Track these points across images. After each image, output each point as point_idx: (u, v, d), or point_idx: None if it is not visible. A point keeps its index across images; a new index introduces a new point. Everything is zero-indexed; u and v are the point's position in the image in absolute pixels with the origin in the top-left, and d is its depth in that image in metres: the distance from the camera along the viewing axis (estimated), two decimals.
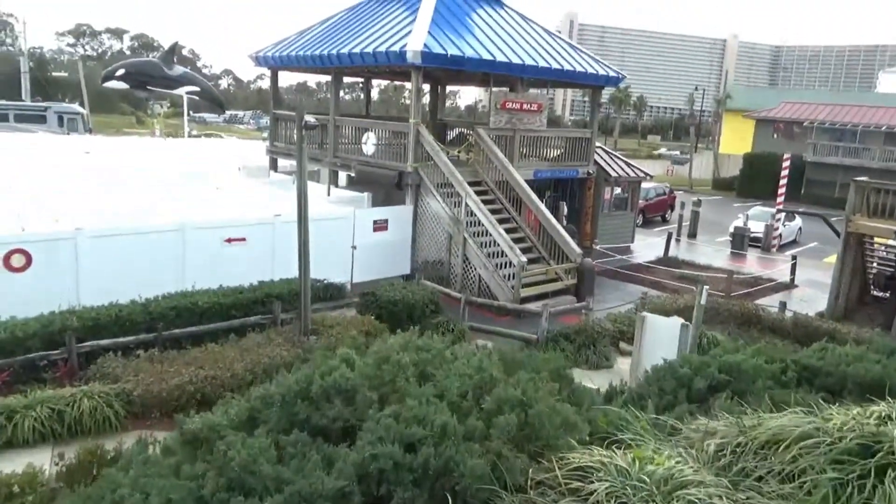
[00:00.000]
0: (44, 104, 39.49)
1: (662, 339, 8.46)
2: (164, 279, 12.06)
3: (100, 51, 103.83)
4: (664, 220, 32.38)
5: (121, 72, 30.14)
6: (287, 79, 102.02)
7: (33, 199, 14.34)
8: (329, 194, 18.49)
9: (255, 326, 11.34)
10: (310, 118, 11.40)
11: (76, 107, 40.39)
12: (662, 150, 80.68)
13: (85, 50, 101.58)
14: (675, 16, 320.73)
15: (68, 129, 34.64)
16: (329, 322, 11.59)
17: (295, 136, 20.43)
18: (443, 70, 18.86)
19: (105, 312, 10.38)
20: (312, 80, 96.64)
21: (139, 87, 31.08)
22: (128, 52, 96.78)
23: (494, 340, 12.85)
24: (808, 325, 13.80)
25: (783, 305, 14.90)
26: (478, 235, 16.36)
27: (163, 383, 8.99)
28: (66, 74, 69.29)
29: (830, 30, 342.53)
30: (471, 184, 16.90)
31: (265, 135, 31.14)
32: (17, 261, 11.15)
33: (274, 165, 22.86)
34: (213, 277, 12.29)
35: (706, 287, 10.96)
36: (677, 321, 8.38)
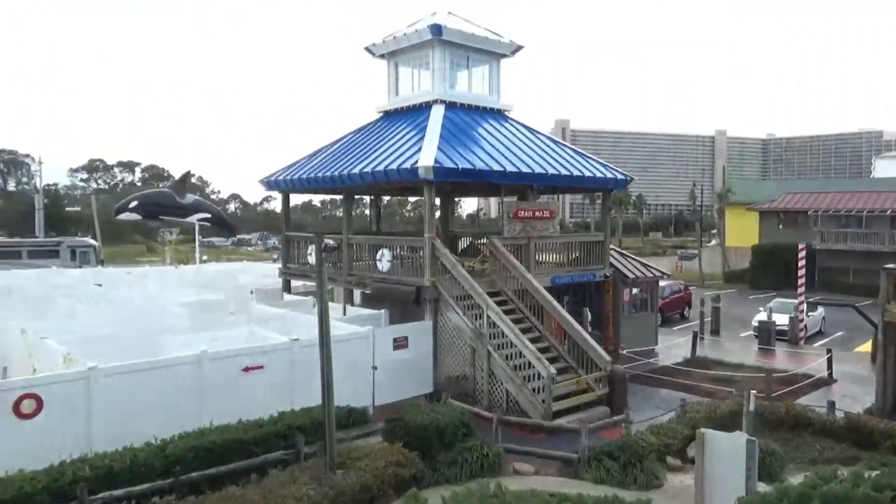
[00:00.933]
0: (56, 239, 40.08)
1: (726, 457, 7.73)
2: (181, 415, 11.46)
3: (112, 183, 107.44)
4: (683, 318, 31.76)
5: (133, 204, 30.51)
6: (292, 199, 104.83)
7: (44, 336, 13.92)
8: (345, 313, 18.06)
9: (278, 463, 10.61)
10: (329, 240, 11.24)
11: (88, 240, 40.95)
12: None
13: (98, 184, 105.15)
14: (662, 116, 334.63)
15: (80, 263, 34.85)
16: (356, 453, 10.82)
17: (309, 258, 20.50)
18: (452, 183, 19.01)
19: (119, 458, 9.71)
20: (317, 198, 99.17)
21: (151, 218, 31.43)
22: (139, 184, 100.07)
23: (533, 462, 12.04)
24: (863, 426, 12.95)
25: (832, 405, 14.06)
26: (502, 347, 15.77)
27: None
28: (79, 209, 71.12)
29: (815, 119, 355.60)
30: (489, 294, 16.53)
31: (276, 256, 31.16)
32: (27, 406, 10.57)
33: (287, 287, 22.61)
34: (231, 410, 11.69)
35: (753, 392, 10.31)
36: (742, 437, 7.69)
